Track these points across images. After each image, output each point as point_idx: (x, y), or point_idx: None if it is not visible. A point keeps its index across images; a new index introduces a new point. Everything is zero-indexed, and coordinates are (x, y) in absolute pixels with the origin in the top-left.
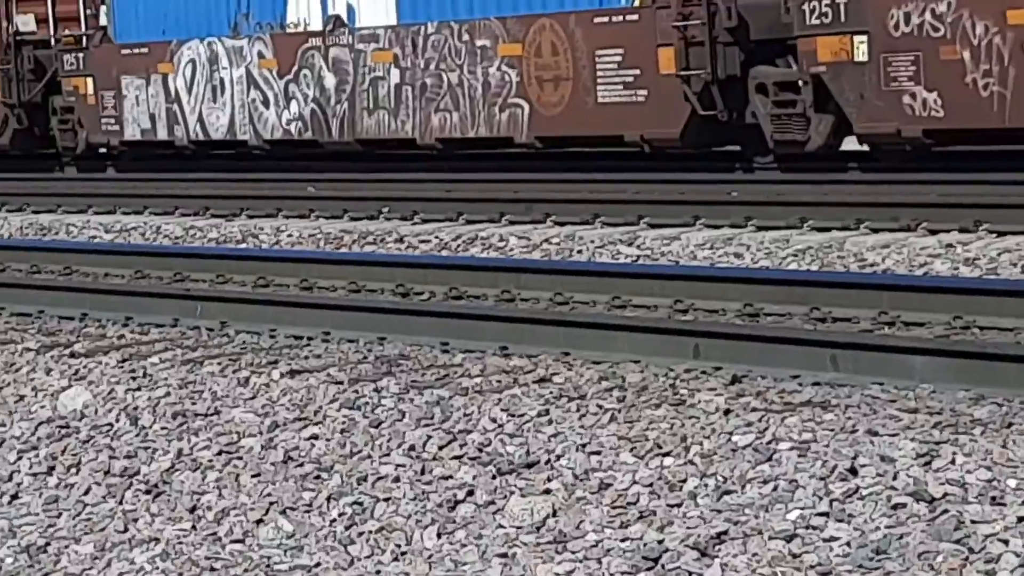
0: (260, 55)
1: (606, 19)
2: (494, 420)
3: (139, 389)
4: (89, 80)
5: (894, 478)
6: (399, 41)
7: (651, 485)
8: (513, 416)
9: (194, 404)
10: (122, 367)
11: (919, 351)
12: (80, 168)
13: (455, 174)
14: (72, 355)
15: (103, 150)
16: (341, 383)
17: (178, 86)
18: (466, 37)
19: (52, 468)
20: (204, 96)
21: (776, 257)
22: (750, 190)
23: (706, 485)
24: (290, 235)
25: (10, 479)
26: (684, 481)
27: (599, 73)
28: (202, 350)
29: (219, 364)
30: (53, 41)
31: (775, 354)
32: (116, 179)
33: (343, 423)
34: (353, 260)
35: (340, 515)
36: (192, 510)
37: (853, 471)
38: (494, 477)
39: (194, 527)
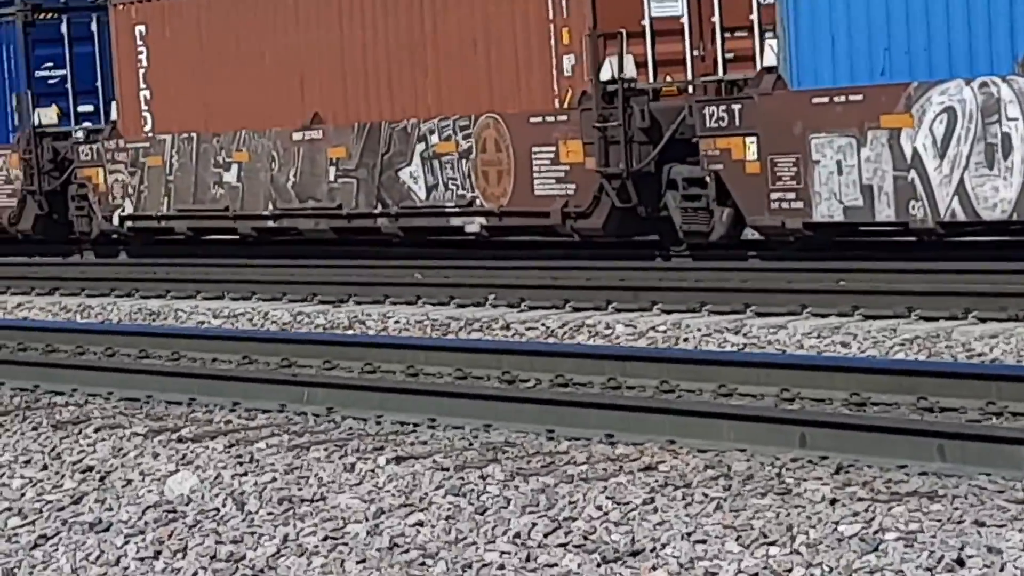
0: None
1: None
2: (599, 508)
3: (246, 474)
4: (750, 141)
5: (1001, 569)
6: None
7: (756, 574)
8: (618, 504)
9: (300, 489)
10: (229, 452)
11: None
12: (696, 257)
13: (561, 261)
14: (179, 440)
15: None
16: (447, 470)
17: (919, 146)
18: None
19: (159, 553)
20: (969, 160)
21: (883, 346)
22: (857, 279)
23: (812, 575)
24: (397, 321)
25: (117, 563)
26: (790, 571)
27: None
28: (309, 436)
29: (325, 450)
30: (651, 91)
31: (882, 444)
32: (225, 265)
33: (448, 510)
34: (459, 347)
35: None
36: None
37: (960, 562)
38: (599, 565)
39: None
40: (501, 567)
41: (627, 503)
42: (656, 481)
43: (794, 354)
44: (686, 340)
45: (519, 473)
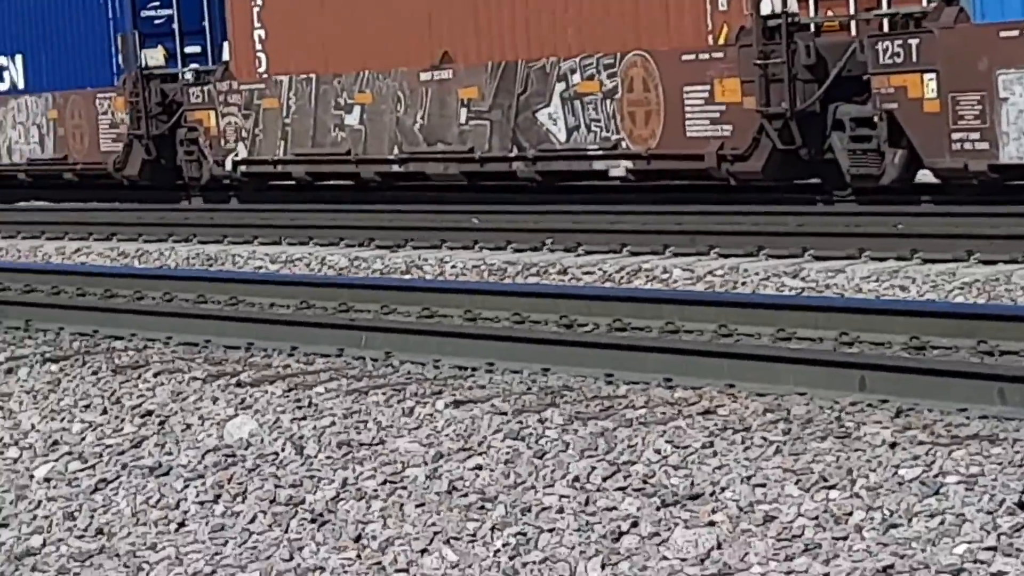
0: None
1: None
2: (658, 452)
3: (304, 418)
4: (928, 78)
5: None
6: None
7: (816, 518)
8: (677, 448)
9: (359, 434)
10: (287, 396)
11: None
12: (861, 201)
13: (618, 206)
14: (238, 384)
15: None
16: (505, 414)
17: None
18: None
19: (218, 497)
20: None
21: (942, 290)
22: (916, 223)
23: (872, 518)
24: (454, 266)
25: (177, 507)
26: (850, 514)
27: None
28: (367, 380)
29: (384, 394)
30: (813, 26)
31: (942, 387)
32: (283, 211)
33: (507, 453)
34: (517, 291)
35: (504, 545)
36: (357, 539)
37: (1021, 505)
38: (658, 508)
39: (359, 556)
40: (560, 511)
41: (686, 447)
42: (715, 425)
43: (853, 298)
44: (744, 284)
45: (578, 417)
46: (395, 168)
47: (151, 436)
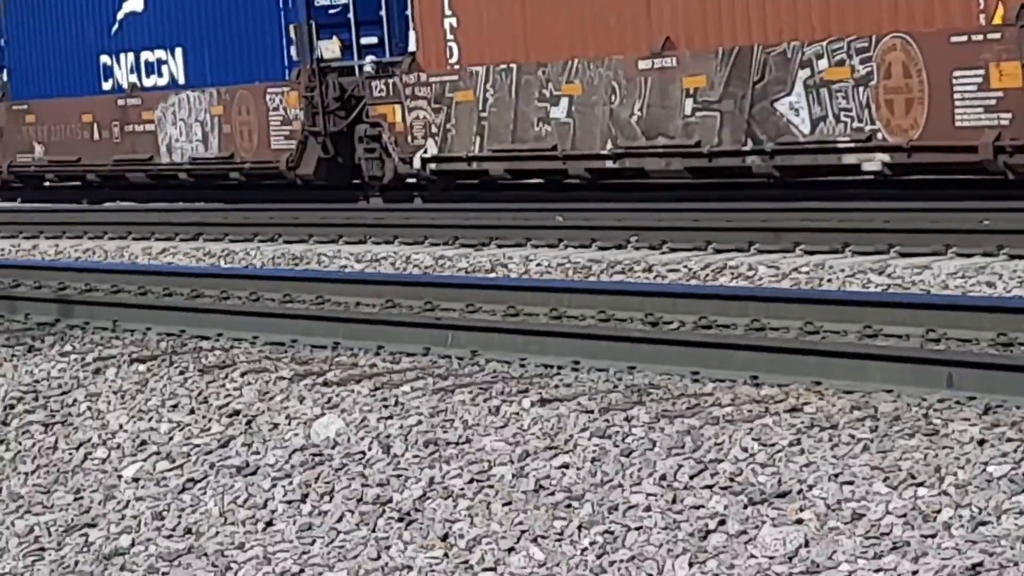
0: None
1: None
2: (745, 449)
3: (391, 417)
4: None
5: None
6: None
7: (905, 516)
8: (764, 446)
9: (445, 432)
10: (374, 395)
11: None
12: None
13: (703, 203)
14: (325, 384)
15: None
16: (591, 412)
17: None
18: None
19: (306, 496)
20: None
21: None
22: (1002, 218)
23: (961, 516)
24: (539, 264)
25: (265, 506)
26: (938, 512)
27: None
28: (453, 379)
29: (470, 393)
30: None
31: None
32: (366, 209)
33: (594, 452)
34: (602, 289)
35: (591, 544)
36: (444, 538)
37: None
38: (746, 507)
39: (446, 555)
40: (647, 509)
41: (773, 444)
42: (802, 422)
43: (939, 294)
44: (829, 281)
45: (664, 415)
46: (608, 164)
47: (238, 436)
